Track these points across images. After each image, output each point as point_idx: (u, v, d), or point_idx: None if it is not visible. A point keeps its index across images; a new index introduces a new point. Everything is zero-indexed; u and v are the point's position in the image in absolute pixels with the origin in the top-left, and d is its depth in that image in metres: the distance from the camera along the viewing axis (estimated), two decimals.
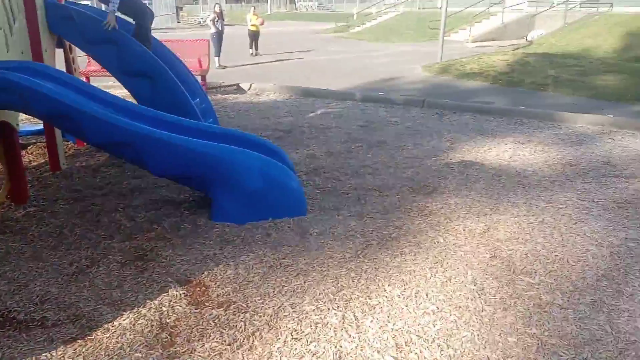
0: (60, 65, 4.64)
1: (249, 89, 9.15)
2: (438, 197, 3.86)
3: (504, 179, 4.24)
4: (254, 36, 16.34)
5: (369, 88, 9.66)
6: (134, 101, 4.68)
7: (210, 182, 3.40)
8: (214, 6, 13.77)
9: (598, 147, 5.14)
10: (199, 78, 8.66)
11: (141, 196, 4.01)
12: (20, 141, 4.52)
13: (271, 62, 14.43)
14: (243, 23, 17.29)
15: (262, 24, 16.42)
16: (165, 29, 34.97)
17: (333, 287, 2.64)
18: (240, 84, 9.35)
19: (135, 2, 4.89)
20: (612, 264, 2.82)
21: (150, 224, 3.45)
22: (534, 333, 2.25)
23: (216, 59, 13.37)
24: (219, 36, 12.95)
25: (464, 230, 3.24)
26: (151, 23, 4.95)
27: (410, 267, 2.84)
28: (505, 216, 3.45)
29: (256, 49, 16.39)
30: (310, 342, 2.21)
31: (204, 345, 2.21)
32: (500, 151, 5.04)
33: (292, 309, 2.45)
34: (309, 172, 4.58)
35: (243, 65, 13.80)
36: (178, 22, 37.07)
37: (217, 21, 13.02)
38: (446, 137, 5.62)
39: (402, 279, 2.72)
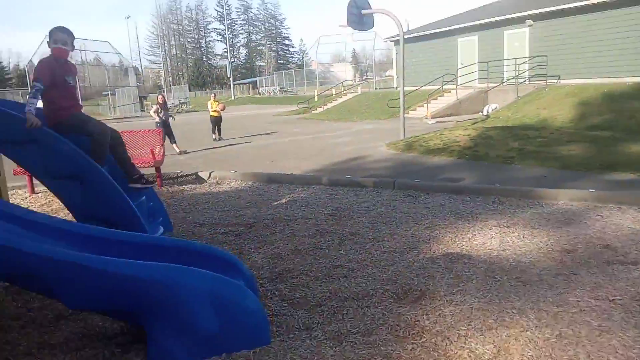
0: None
1: (208, 178, 8.57)
2: (429, 305, 3.22)
3: (499, 275, 3.67)
4: (216, 121, 16.15)
5: (335, 169, 9.27)
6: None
7: (145, 313, 2.67)
8: (157, 96, 13.72)
9: (589, 227, 4.71)
10: (153, 170, 8.06)
11: (67, 327, 3.22)
12: None
13: (234, 146, 14.09)
14: (206, 109, 17.16)
15: (222, 109, 16.29)
16: (129, 118, 34.97)
17: None
18: (199, 173, 8.77)
19: (87, 120, 4.33)
20: None
21: None
22: None
23: (174, 146, 12.96)
24: (164, 125, 12.66)
25: (469, 356, 2.58)
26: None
27: None
28: (515, 330, 2.83)
29: (219, 134, 16.14)
30: None
31: None
32: (487, 238, 4.52)
33: None
34: (273, 278, 3.90)
35: (205, 150, 13.39)
36: (142, 110, 37.17)
37: (160, 111, 12.86)
38: (424, 224, 5.09)
39: None
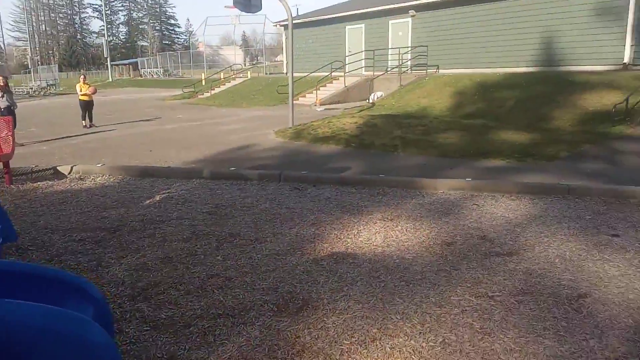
0: None
1: (69, 173, 7.53)
2: (311, 317, 2.95)
3: (383, 275, 3.52)
4: (87, 106, 14.56)
5: (220, 160, 8.73)
6: None
7: None
8: None
9: (467, 217, 4.80)
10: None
11: None
12: None
13: (109, 134, 12.77)
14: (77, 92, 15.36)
15: (93, 92, 14.74)
16: None
17: None
18: (58, 167, 7.67)
19: None
20: None
21: None
22: None
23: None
24: (8, 111, 11.05)
25: None
26: None
27: None
28: (399, 339, 2.66)
29: (90, 121, 14.58)
30: None
31: None
32: (372, 234, 4.39)
33: None
34: (135, 295, 3.36)
35: (73, 138, 11.94)
36: None
37: (2, 96, 11.18)
38: (309, 220, 4.84)
39: None
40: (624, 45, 14.51)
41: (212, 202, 5.59)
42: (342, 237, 4.35)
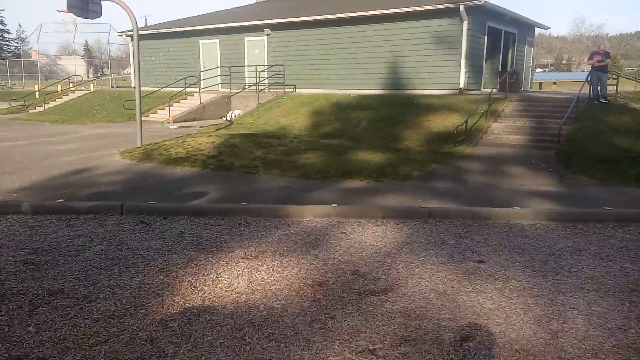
0: None
1: None
2: None
3: (249, 334, 2.94)
4: None
5: (50, 187, 7.33)
6: None
7: None
8: None
9: (336, 248, 4.47)
10: None
11: None
12: None
13: None
14: None
15: None
16: None
17: None
18: None
19: None
20: None
21: None
22: None
23: None
24: None
25: None
26: None
27: None
28: None
29: None
30: None
31: None
32: (233, 277, 3.79)
33: None
34: None
35: None
36: None
37: None
38: (158, 264, 4.04)
39: None
40: (459, 72, 16.09)
41: (30, 246, 4.44)
42: (197, 284, 3.67)
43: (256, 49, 20.33)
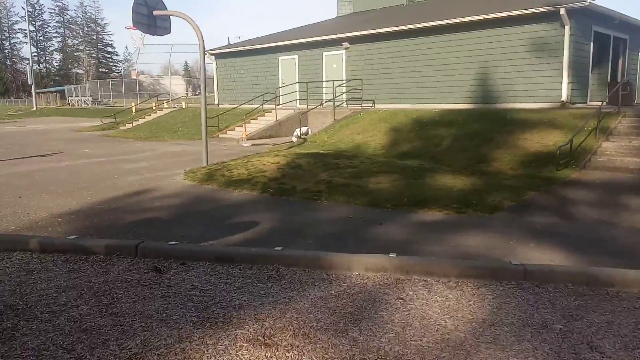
0: None
1: None
2: None
3: None
4: None
5: (98, 211, 6.95)
6: None
7: None
8: None
9: (386, 327, 3.23)
10: None
11: None
12: None
13: None
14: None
15: None
16: None
17: None
18: None
19: None
20: None
21: None
22: None
23: None
24: None
25: None
26: None
27: None
28: None
29: None
30: None
31: None
32: None
33: None
34: None
35: None
36: None
37: None
38: (132, 346, 2.96)
39: None
40: (561, 83, 14.07)
41: (3, 303, 3.69)
42: None
43: (334, 64, 19.59)
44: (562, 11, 13.51)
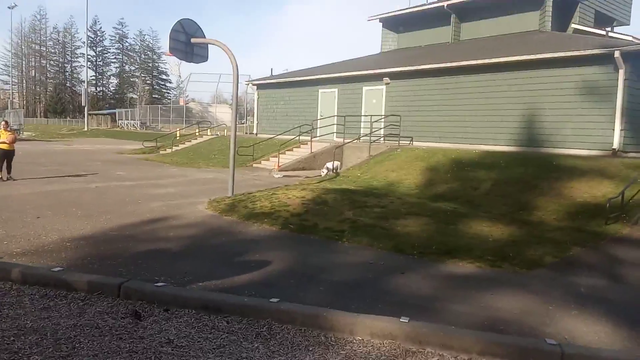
0: None
1: None
2: None
3: None
4: (5, 156, 12.56)
5: (109, 238, 6.76)
6: None
7: None
8: None
9: None
10: None
11: None
12: None
13: (13, 190, 10.82)
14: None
15: (12, 141, 12.76)
16: None
17: None
18: None
19: None
20: None
21: None
22: None
23: None
24: None
25: None
26: None
27: None
28: None
29: (8, 173, 12.54)
30: None
31: None
32: None
33: None
34: None
35: None
36: None
37: None
38: None
39: None
40: (613, 130, 13.13)
41: None
42: None
43: (374, 99, 19.28)
44: (617, 54, 12.72)
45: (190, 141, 26.04)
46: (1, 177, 12.44)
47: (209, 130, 30.54)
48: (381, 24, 24.22)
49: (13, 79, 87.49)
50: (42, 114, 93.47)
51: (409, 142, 17.56)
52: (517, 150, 14.71)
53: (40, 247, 6.10)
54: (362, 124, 19.07)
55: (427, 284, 5.39)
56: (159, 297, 4.01)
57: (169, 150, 24.14)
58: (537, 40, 16.88)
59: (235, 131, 10.72)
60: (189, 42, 10.51)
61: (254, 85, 25.20)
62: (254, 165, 18.63)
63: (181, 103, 51.16)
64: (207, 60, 11.19)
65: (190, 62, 10.73)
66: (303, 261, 6.14)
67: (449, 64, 16.51)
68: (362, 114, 19.41)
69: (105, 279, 4.30)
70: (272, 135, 20.98)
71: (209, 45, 11.02)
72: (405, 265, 6.12)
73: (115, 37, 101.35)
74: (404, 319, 3.62)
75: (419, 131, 17.55)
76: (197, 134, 28.09)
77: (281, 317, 3.71)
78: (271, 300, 3.88)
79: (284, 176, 15.24)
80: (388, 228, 7.86)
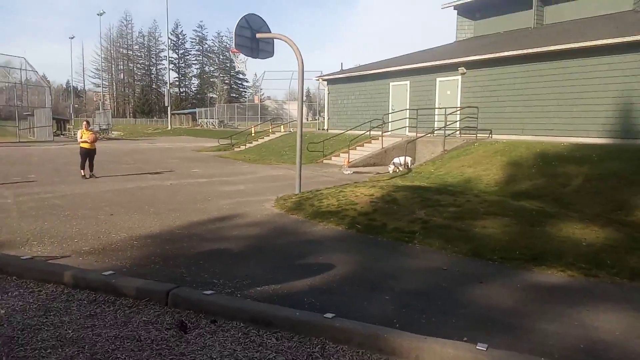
0: None
1: None
2: None
3: None
4: (87, 154, 13.27)
5: (176, 237, 6.78)
6: None
7: None
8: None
9: None
10: None
11: None
12: None
13: (92, 188, 11.38)
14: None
15: (94, 140, 13.42)
16: (44, 141, 31.24)
17: None
18: None
19: None
20: None
21: None
22: None
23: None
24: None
25: None
26: None
27: None
28: None
29: (91, 170, 13.22)
30: None
31: None
32: None
33: None
34: None
35: (54, 189, 10.58)
36: (62, 134, 33.81)
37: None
38: None
39: None
40: None
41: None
42: None
43: (448, 90, 18.28)
44: None
45: (263, 138, 26.39)
46: (84, 175, 13.12)
47: (282, 127, 30.82)
48: (456, 11, 23.00)
49: (104, 82, 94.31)
50: (131, 114, 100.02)
51: (487, 135, 16.44)
52: (611, 142, 13.22)
53: (107, 246, 6.17)
54: (436, 117, 18.16)
55: (509, 296, 4.76)
56: (207, 306, 3.77)
57: (242, 147, 24.59)
58: (632, 20, 15.09)
59: (301, 127, 10.47)
60: (254, 38, 10.39)
61: (324, 80, 24.98)
62: (325, 161, 18.39)
63: (256, 101, 52.37)
64: (272, 56, 11.03)
65: (255, 57, 10.62)
66: (369, 265, 5.71)
67: (533, 50, 15.19)
68: (436, 106, 18.49)
69: (154, 285, 4.14)
70: (342, 131, 20.64)
71: (274, 40, 10.86)
72: (483, 273, 5.50)
73: (195, 39, 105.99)
74: (481, 347, 3.06)
75: (498, 123, 16.37)
76: (270, 130, 28.42)
77: (336, 336, 3.31)
78: (325, 315, 3.49)
79: (354, 172, 14.83)
80: (464, 229, 7.19)
